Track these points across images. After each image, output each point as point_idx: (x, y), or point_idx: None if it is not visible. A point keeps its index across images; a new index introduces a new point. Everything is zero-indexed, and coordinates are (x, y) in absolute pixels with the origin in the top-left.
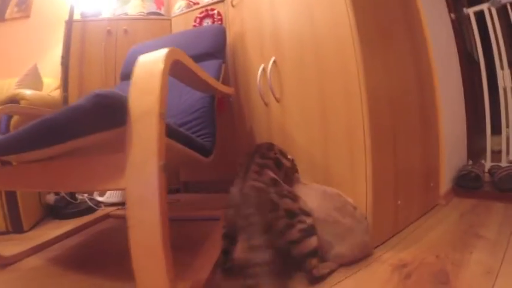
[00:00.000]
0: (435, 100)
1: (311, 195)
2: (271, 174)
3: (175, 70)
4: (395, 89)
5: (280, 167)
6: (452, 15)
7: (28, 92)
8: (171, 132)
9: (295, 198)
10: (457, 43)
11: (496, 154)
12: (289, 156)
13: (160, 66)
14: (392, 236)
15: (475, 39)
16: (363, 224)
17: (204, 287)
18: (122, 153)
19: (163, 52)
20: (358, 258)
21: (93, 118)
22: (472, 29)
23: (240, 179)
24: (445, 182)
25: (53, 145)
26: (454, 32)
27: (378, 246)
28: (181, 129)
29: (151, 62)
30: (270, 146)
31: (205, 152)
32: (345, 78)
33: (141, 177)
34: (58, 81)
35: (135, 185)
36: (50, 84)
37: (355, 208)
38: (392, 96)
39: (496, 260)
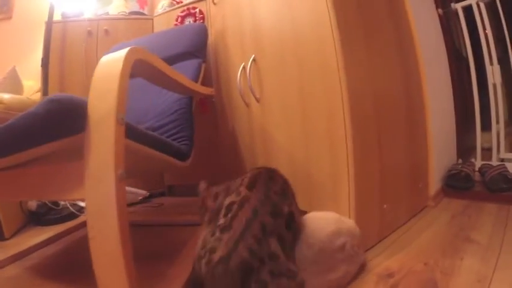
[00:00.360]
0: (423, 98)
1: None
2: (274, 246)
3: (139, 70)
4: (379, 87)
5: (291, 227)
6: (440, 10)
7: (6, 96)
8: (139, 135)
9: (293, 275)
10: (445, 39)
11: (486, 151)
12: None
13: (119, 67)
14: (379, 242)
15: (463, 35)
16: (357, 255)
17: None
18: (81, 162)
19: (123, 52)
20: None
21: (49, 125)
22: (460, 25)
23: (229, 232)
24: (434, 182)
25: (10, 154)
26: (442, 28)
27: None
28: (151, 132)
29: (111, 63)
30: (284, 187)
31: (181, 156)
32: (325, 77)
33: (99, 187)
34: (39, 84)
35: (94, 195)
36: (32, 87)
37: (341, 247)
38: (376, 94)
39: (488, 267)
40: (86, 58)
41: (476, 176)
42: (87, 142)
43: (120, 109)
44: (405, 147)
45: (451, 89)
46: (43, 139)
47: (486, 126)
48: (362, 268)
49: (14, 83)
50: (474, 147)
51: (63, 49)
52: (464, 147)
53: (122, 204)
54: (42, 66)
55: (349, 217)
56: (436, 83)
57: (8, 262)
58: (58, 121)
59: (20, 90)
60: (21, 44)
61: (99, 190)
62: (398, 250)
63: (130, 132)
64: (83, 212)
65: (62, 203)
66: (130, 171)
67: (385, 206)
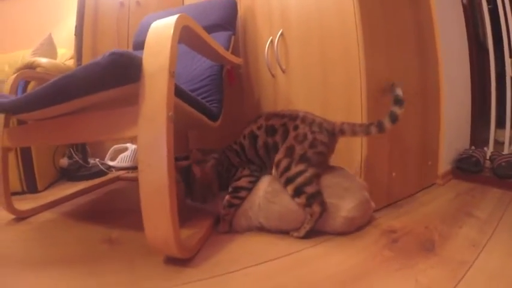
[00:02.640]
0: (438, 83)
1: None
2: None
3: (184, 35)
4: (396, 66)
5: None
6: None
7: (44, 60)
8: (179, 92)
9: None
10: (468, 29)
11: (500, 145)
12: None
13: (171, 30)
14: (387, 206)
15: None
16: (356, 181)
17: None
18: (135, 106)
19: (173, 18)
20: (365, 219)
21: (109, 74)
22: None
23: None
24: (444, 162)
25: (72, 99)
26: (465, 17)
27: None
28: (187, 90)
29: (163, 27)
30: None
31: (212, 116)
32: (345, 52)
33: (152, 125)
34: (72, 52)
35: (146, 133)
36: (64, 54)
37: (341, 168)
38: (392, 72)
39: (483, 236)
40: (118, 28)
41: (487, 164)
42: (142, 89)
43: (172, 64)
44: (417, 126)
45: (469, 79)
46: (104, 86)
47: (503, 122)
48: (370, 223)
49: (49, 49)
50: (489, 141)
51: (95, 19)
52: (480, 140)
53: (170, 142)
54: (76, 34)
55: (360, 176)
56: (454, 71)
57: (42, 209)
58: (119, 70)
59: (55, 56)
60: (53, 14)
61: (151, 128)
62: (403, 214)
63: (175, 89)
64: (111, 170)
65: (92, 161)
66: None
67: (393, 174)
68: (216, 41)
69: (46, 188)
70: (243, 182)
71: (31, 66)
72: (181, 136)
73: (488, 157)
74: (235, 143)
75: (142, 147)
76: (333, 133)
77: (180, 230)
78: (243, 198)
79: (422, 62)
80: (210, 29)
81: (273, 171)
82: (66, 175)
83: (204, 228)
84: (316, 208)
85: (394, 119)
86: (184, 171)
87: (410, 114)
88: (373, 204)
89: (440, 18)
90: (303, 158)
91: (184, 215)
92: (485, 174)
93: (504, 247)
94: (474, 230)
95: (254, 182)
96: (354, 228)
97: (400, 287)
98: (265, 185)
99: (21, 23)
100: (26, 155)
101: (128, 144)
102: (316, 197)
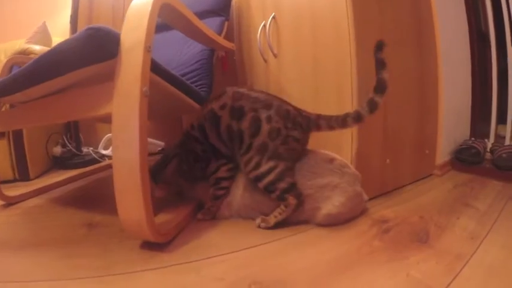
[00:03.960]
0: (436, 72)
1: None
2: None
3: (166, 13)
4: (390, 52)
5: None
6: None
7: (37, 47)
8: (161, 71)
9: None
10: (469, 19)
11: (502, 139)
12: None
13: (149, 5)
14: (379, 195)
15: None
16: (347, 175)
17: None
18: (111, 82)
19: None
20: (355, 213)
21: (87, 49)
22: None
23: None
24: (443, 153)
25: (52, 78)
26: (466, 6)
27: None
28: (173, 71)
29: (142, 3)
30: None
31: (200, 100)
32: (337, 36)
33: (125, 101)
34: None
35: (120, 109)
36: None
37: (330, 160)
38: (387, 58)
39: (482, 228)
40: (114, 16)
41: (487, 156)
42: (118, 65)
43: (148, 39)
44: (413, 113)
45: (470, 69)
46: (83, 62)
47: (504, 118)
48: (361, 213)
49: (44, 37)
50: (489, 134)
51: (91, 7)
52: (480, 133)
53: (143, 118)
54: (70, 22)
55: (351, 163)
56: (453, 61)
57: (32, 195)
58: (96, 45)
59: (49, 45)
60: (53, 2)
61: (125, 103)
62: (397, 204)
63: (154, 66)
64: (104, 159)
65: (85, 149)
66: (152, 109)
67: (387, 160)
68: (208, 26)
69: (38, 176)
70: (222, 173)
71: (24, 53)
72: (175, 120)
73: (489, 149)
74: (193, 127)
75: (116, 124)
76: (308, 128)
77: (159, 214)
78: (226, 188)
79: (420, 50)
80: (203, 14)
81: (241, 167)
82: (59, 163)
83: (183, 213)
84: (291, 201)
85: (373, 107)
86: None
87: (407, 101)
88: (365, 196)
89: (440, 5)
90: (274, 155)
91: (165, 200)
92: (485, 165)
93: (504, 240)
94: (473, 222)
95: (233, 169)
96: (342, 222)
97: (388, 282)
98: (245, 177)
99: (18, 12)
100: (18, 143)
101: None
102: (290, 191)
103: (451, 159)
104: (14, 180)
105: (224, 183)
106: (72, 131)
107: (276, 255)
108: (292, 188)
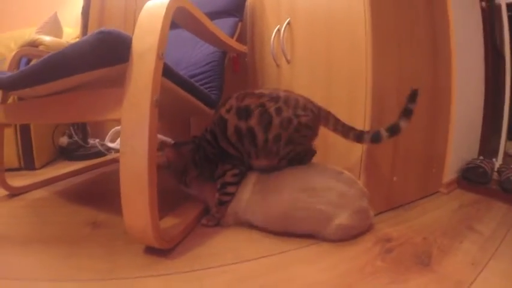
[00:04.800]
0: (450, 89)
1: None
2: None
3: (180, 17)
4: (405, 67)
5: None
6: (484, 3)
7: (47, 38)
8: (172, 75)
9: None
10: (485, 35)
11: (509, 157)
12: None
13: (163, 10)
14: (385, 211)
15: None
16: (355, 189)
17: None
18: (121, 88)
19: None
20: (361, 228)
21: (97, 52)
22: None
23: None
24: (450, 171)
25: (61, 77)
26: (483, 22)
27: None
28: (184, 76)
29: (156, 7)
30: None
31: (210, 103)
32: (352, 49)
33: (135, 109)
34: (78, 31)
35: (129, 116)
36: (70, 34)
37: (339, 173)
38: (401, 73)
39: (485, 254)
40: (125, 8)
41: (494, 176)
42: (129, 71)
43: (161, 46)
44: (423, 131)
45: (483, 87)
46: (93, 65)
47: None
48: (367, 229)
49: (54, 28)
50: (498, 151)
51: None
52: (489, 150)
53: (153, 127)
54: (82, 14)
55: (359, 179)
56: (467, 77)
57: (37, 186)
58: (106, 49)
59: (60, 35)
60: None
61: (135, 112)
62: (402, 222)
63: (166, 70)
64: (110, 152)
65: (91, 141)
66: (162, 111)
67: (395, 178)
68: (221, 27)
69: (44, 166)
70: (228, 178)
71: (33, 44)
72: (183, 122)
73: (496, 169)
74: (207, 131)
75: (125, 130)
76: (318, 115)
77: (163, 218)
78: (231, 194)
79: (434, 63)
80: (216, 14)
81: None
82: (65, 154)
83: (188, 218)
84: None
85: (395, 131)
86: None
87: (419, 117)
88: (371, 213)
89: (457, 21)
90: (289, 141)
91: (170, 204)
92: (492, 186)
93: (505, 268)
94: (475, 247)
95: (239, 175)
96: (348, 238)
97: None
98: (252, 181)
99: (28, 1)
100: (24, 132)
101: None
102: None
103: (458, 178)
104: (19, 169)
105: (229, 189)
106: (80, 122)
107: (279, 269)
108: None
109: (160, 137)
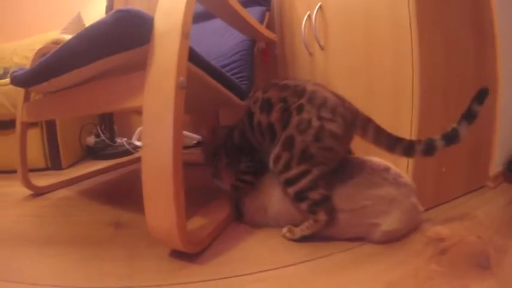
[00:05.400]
0: (495, 71)
1: None
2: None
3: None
4: (451, 53)
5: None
6: None
7: (69, 37)
8: (201, 62)
9: None
10: None
11: None
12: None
13: None
14: (433, 207)
15: None
16: (403, 186)
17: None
18: (142, 71)
19: None
20: (410, 228)
21: (116, 33)
22: None
23: None
24: (497, 162)
25: (77, 67)
26: None
27: None
28: (213, 63)
29: None
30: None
31: (241, 93)
32: (394, 28)
33: (159, 93)
34: None
35: (152, 101)
36: None
37: (386, 169)
38: (447, 54)
39: None
40: (150, 8)
41: None
42: (151, 52)
43: (186, 24)
44: None
45: None
46: (112, 48)
47: None
48: (415, 228)
49: (78, 28)
50: None
51: None
52: None
53: (179, 112)
54: (106, 13)
55: (407, 173)
56: None
57: (61, 186)
58: (125, 29)
59: None
60: None
61: (158, 96)
62: (452, 219)
63: (193, 56)
64: (137, 150)
65: (119, 140)
66: (188, 101)
67: (444, 169)
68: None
69: (71, 166)
70: (242, 166)
71: (57, 43)
72: (212, 115)
73: None
74: (242, 120)
75: (147, 119)
76: (352, 123)
77: (190, 219)
78: (246, 182)
79: (479, 48)
80: (244, 3)
81: (270, 164)
82: (93, 154)
83: (218, 219)
84: (321, 216)
85: (453, 139)
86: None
87: (466, 102)
88: (421, 208)
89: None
90: (305, 155)
91: (198, 202)
92: None
93: None
94: None
95: (254, 166)
96: (397, 239)
97: None
98: None
99: (54, 2)
100: (51, 132)
101: None
102: (321, 204)
103: (504, 170)
104: (46, 169)
105: (245, 177)
106: (107, 121)
107: (323, 276)
108: (325, 201)
109: (186, 133)
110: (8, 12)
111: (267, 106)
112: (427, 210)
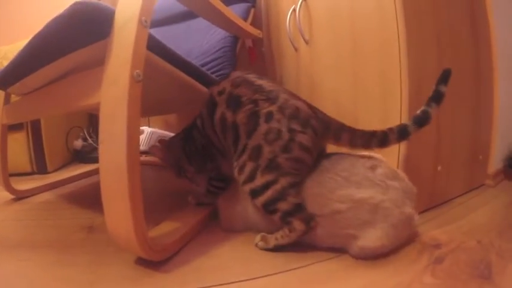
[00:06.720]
0: (492, 66)
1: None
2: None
3: None
4: (442, 38)
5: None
6: None
7: None
8: (163, 50)
9: None
10: None
11: None
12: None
13: None
14: (429, 209)
15: None
16: (393, 190)
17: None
18: (101, 67)
19: None
20: (401, 242)
21: (74, 27)
22: None
23: None
24: (496, 160)
25: (41, 66)
26: None
27: None
28: (181, 55)
29: None
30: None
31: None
32: (380, 18)
33: (114, 89)
34: None
35: (107, 97)
36: None
37: (372, 167)
38: (439, 38)
39: None
40: None
41: None
42: (109, 46)
43: (144, 11)
44: (467, 111)
45: None
46: (72, 43)
47: None
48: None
49: None
50: None
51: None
52: None
53: (133, 107)
54: None
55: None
56: (510, 55)
57: (43, 189)
58: (83, 23)
59: None
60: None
61: (113, 91)
62: (449, 222)
63: (155, 45)
64: None
65: None
66: (158, 96)
67: (439, 167)
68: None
69: (57, 170)
70: (213, 174)
71: None
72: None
73: None
74: (198, 115)
75: (104, 115)
76: (323, 135)
77: (160, 224)
78: (219, 187)
79: (474, 42)
80: (228, 1)
81: (235, 173)
82: (80, 157)
83: (188, 224)
84: (298, 226)
85: (424, 121)
86: None
87: (462, 98)
88: (417, 217)
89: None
90: (272, 165)
91: (172, 207)
92: None
93: None
94: None
95: (222, 174)
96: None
97: None
98: None
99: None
100: (36, 136)
101: (144, 127)
102: (294, 214)
103: (504, 167)
104: (32, 173)
105: (216, 183)
106: (94, 124)
107: None
108: (298, 210)
109: (164, 132)
110: None
111: (235, 103)
112: (421, 212)
